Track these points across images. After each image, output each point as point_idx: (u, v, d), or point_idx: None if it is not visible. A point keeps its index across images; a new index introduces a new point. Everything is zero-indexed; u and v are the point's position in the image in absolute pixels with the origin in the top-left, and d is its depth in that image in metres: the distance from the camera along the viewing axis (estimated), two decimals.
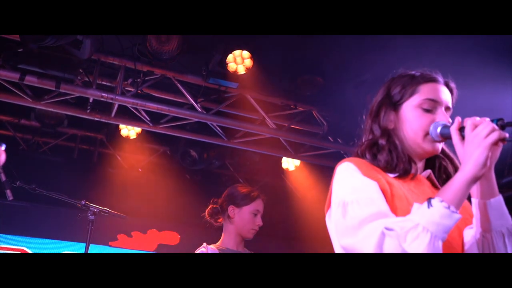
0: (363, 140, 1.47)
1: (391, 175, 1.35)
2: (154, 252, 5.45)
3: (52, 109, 4.44)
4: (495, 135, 1.16)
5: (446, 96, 1.39)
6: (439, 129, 1.33)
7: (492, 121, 1.20)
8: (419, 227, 1.09)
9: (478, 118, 1.22)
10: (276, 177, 6.19)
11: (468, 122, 1.22)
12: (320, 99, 4.75)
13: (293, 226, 5.53)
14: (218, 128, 4.88)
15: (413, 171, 1.36)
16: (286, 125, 4.91)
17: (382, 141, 1.38)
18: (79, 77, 4.22)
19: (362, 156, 1.42)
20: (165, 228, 5.59)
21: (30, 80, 3.95)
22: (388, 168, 1.35)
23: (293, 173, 5.89)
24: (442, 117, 1.34)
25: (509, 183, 5.49)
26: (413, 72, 1.43)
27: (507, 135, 1.19)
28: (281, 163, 5.77)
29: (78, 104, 4.49)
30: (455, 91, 1.43)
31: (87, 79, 4.29)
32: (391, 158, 1.34)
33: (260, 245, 3.32)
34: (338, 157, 4.96)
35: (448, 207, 1.12)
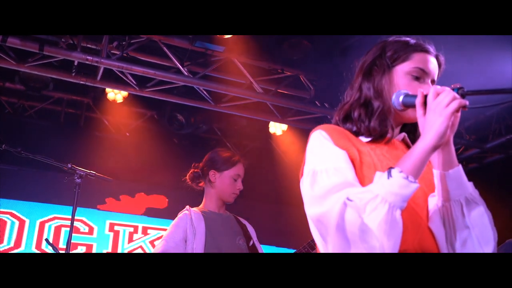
0: (348, 97, 1.44)
1: (365, 140, 1.35)
2: (143, 215, 5.51)
3: (36, 72, 4.39)
4: (455, 104, 1.17)
5: (434, 68, 1.39)
6: (401, 98, 1.33)
7: (453, 89, 1.21)
8: (378, 198, 1.11)
9: (439, 87, 1.23)
10: (263, 142, 6.22)
11: (431, 90, 1.22)
12: (307, 63, 4.74)
13: (279, 190, 5.60)
14: (204, 92, 4.86)
15: (389, 135, 1.37)
16: (273, 89, 4.91)
17: (378, 104, 1.36)
18: (63, 40, 4.16)
19: (345, 114, 1.41)
20: (153, 191, 5.64)
21: (13, 42, 3.89)
22: (369, 132, 1.35)
23: (280, 138, 5.92)
24: (428, 88, 1.35)
25: (494, 148, 5.60)
26: (407, 39, 1.42)
27: (467, 103, 1.19)
28: (268, 128, 5.79)
29: (63, 67, 4.44)
30: (443, 65, 1.43)
31: (71, 42, 4.23)
32: (380, 124, 1.34)
33: (246, 209, 3.38)
34: (325, 122, 4.98)
35: (407, 177, 1.13)
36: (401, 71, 1.37)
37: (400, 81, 1.36)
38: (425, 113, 1.23)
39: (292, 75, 4.97)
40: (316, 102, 5.02)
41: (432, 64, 1.38)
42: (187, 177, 2.69)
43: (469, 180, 1.33)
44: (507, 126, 5.42)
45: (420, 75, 1.36)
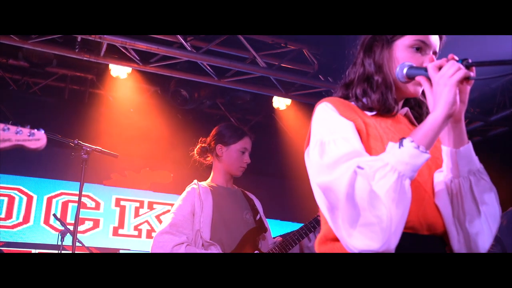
0: (352, 74, 1.46)
1: (369, 113, 1.37)
2: (148, 190, 5.57)
3: (39, 49, 4.39)
4: (460, 74, 1.18)
5: (435, 40, 1.39)
6: (405, 70, 1.34)
7: (457, 61, 1.22)
8: (388, 167, 1.13)
9: (438, 60, 1.24)
10: (267, 116, 6.23)
11: (429, 66, 1.24)
12: (311, 37, 4.71)
13: (283, 164, 5.63)
14: (208, 67, 4.85)
15: (394, 109, 1.38)
16: (277, 63, 4.89)
17: (377, 78, 1.37)
18: None
19: (349, 89, 1.42)
20: (158, 167, 5.68)
21: None
22: (375, 107, 1.36)
23: (284, 112, 5.92)
24: (431, 59, 1.35)
25: (498, 120, 5.59)
26: None
27: (471, 74, 1.21)
28: (272, 102, 5.79)
29: (66, 43, 4.43)
30: (444, 37, 1.44)
31: None
32: (382, 98, 1.36)
33: (251, 183, 3.41)
34: (329, 96, 4.97)
35: (418, 147, 1.15)
36: (402, 45, 1.38)
37: (400, 54, 1.37)
38: (432, 89, 1.24)
39: (295, 49, 4.94)
40: (320, 76, 5.00)
41: (434, 36, 1.39)
42: (195, 151, 2.70)
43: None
44: (511, 99, 5.40)
45: (422, 47, 1.37)
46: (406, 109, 1.45)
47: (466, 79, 1.20)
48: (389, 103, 1.36)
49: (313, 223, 2.65)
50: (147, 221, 5.46)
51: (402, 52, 1.37)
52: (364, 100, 1.38)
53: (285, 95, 5.26)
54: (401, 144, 1.16)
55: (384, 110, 1.36)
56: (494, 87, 5.40)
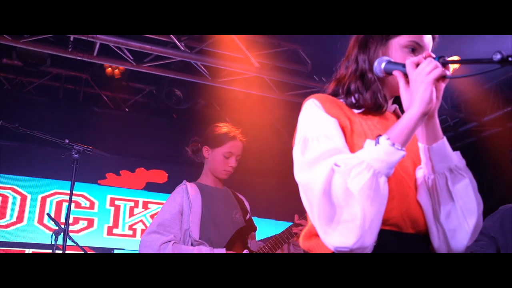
0: (344, 69, 1.45)
1: (356, 111, 1.37)
2: (143, 190, 5.56)
3: (32, 48, 4.37)
4: (437, 72, 1.19)
5: (429, 42, 1.39)
6: (383, 65, 1.34)
7: (434, 58, 1.22)
8: (363, 164, 1.13)
9: (414, 58, 1.25)
10: (261, 116, 6.24)
11: (407, 62, 1.24)
12: (304, 37, 4.71)
13: (278, 163, 5.63)
14: (202, 67, 4.85)
15: (384, 107, 1.38)
16: (271, 63, 4.88)
17: (371, 76, 1.37)
18: None
19: (340, 86, 1.42)
20: (153, 166, 5.68)
21: None
22: (367, 105, 1.36)
23: (278, 111, 5.93)
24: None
25: (491, 121, 5.61)
26: None
27: (448, 72, 1.21)
28: (266, 102, 5.79)
29: (59, 42, 4.43)
30: (437, 38, 1.44)
31: None
32: (374, 96, 1.36)
33: (245, 183, 3.42)
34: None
35: (393, 144, 1.16)
36: (397, 44, 1.37)
37: (395, 54, 1.37)
38: (407, 86, 1.25)
39: (289, 49, 4.94)
40: (314, 76, 5.00)
41: (427, 38, 1.39)
42: (188, 149, 2.71)
43: (467, 154, 1.34)
44: (505, 99, 5.42)
45: (416, 48, 1.36)
46: (394, 106, 1.46)
47: (442, 77, 1.21)
48: (380, 101, 1.36)
49: (302, 219, 2.67)
50: (141, 221, 5.46)
51: (396, 51, 1.37)
52: (356, 96, 1.37)
53: (279, 94, 5.27)
54: (377, 142, 1.17)
55: (374, 108, 1.37)
56: (488, 88, 5.42)
